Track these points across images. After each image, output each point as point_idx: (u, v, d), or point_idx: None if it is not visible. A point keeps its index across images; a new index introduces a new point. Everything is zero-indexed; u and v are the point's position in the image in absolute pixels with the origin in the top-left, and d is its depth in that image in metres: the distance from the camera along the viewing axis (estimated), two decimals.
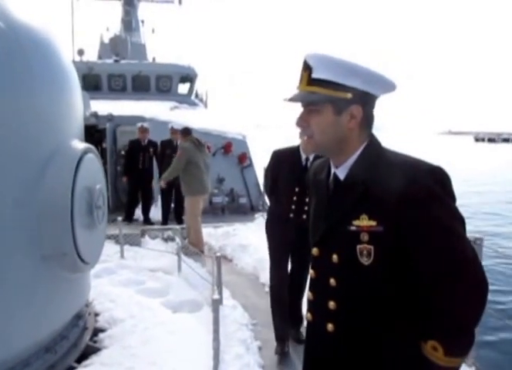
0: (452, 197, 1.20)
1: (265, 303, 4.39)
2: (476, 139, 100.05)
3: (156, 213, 8.10)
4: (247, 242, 6.10)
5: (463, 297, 1.17)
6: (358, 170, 1.28)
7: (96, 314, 3.56)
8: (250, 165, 10.08)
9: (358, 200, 1.24)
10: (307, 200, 3.14)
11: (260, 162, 10.39)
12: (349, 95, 1.24)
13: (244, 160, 9.93)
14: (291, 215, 3.28)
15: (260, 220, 7.97)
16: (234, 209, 9.34)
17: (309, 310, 1.42)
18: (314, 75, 1.25)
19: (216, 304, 2.68)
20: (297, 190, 3.23)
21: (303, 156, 3.23)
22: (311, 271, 1.40)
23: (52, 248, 2.51)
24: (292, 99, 1.32)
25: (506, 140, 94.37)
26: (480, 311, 1.18)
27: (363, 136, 1.31)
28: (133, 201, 8.06)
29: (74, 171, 2.56)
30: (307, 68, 1.27)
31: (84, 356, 3.01)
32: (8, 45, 2.32)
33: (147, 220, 7.80)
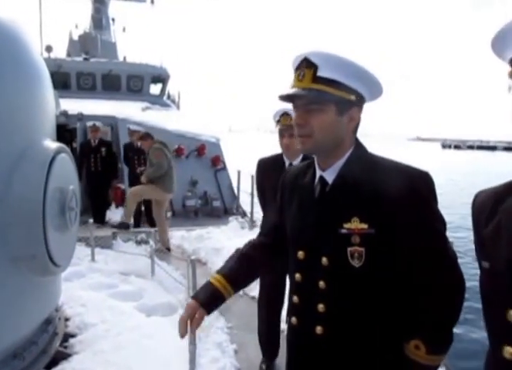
0: (436, 201, 1.26)
1: (240, 306, 4.41)
2: (443, 146, 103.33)
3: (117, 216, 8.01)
4: (221, 245, 6.09)
5: (446, 296, 1.23)
6: (348, 173, 1.29)
7: (67, 319, 3.49)
8: (224, 168, 10.09)
9: (349, 202, 1.26)
10: None
11: (233, 165, 10.43)
12: (353, 98, 1.26)
13: (217, 163, 9.93)
14: None
15: (234, 224, 7.98)
16: (207, 212, 9.31)
17: (294, 314, 1.42)
18: (321, 74, 1.23)
19: None
20: None
21: (287, 163, 2.97)
22: (296, 275, 1.39)
23: (22, 250, 2.45)
24: (296, 95, 1.28)
25: (470, 147, 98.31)
26: (460, 309, 1.25)
27: (353, 139, 1.34)
28: (100, 203, 7.98)
29: (46, 171, 2.50)
30: (311, 65, 1.25)
31: (54, 362, 2.95)
32: None
33: (101, 222, 7.75)
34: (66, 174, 2.81)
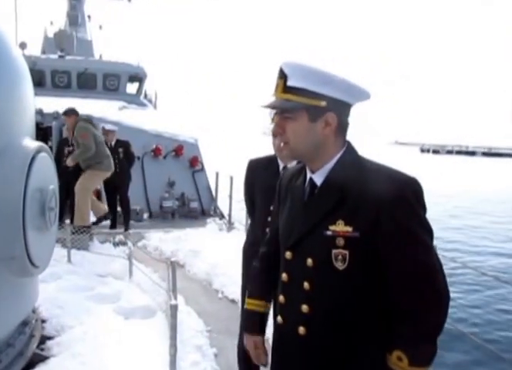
0: (424, 208, 1.29)
1: (219, 309, 4.44)
2: (422, 150, 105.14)
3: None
4: (199, 247, 6.11)
5: (428, 306, 1.25)
6: (336, 176, 1.34)
7: (43, 321, 3.45)
8: (202, 169, 10.08)
9: (335, 205, 1.30)
10: None
11: (211, 166, 10.44)
12: (323, 103, 1.30)
13: (195, 164, 9.92)
14: None
15: (212, 226, 7.99)
16: (184, 213, 9.29)
17: (280, 313, 1.46)
18: (289, 83, 1.31)
19: (174, 310, 2.70)
20: (272, 208, 2.79)
21: (281, 165, 2.73)
22: (282, 275, 1.44)
23: (0, 251, 2.43)
24: (268, 106, 1.38)
25: (449, 152, 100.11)
26: (443, 319, 1.27)
27: (339, 142, 1.38)
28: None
29: (26, 171, 2.48)
30: (282, 76, 1.33)
31: (31, 365, 2.91)
32: None
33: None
34: (46, 174, 2.79)
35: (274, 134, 1.40)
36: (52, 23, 18.10)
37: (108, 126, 7.42)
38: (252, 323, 1.63)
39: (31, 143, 2.68)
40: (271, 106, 1.38)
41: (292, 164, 2.66)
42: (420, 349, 1.25)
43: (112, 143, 7.34)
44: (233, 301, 4.56)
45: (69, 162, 6.23)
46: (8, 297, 2.69)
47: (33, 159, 2.57)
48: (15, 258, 2.50)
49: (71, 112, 6.47)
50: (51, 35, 16.48)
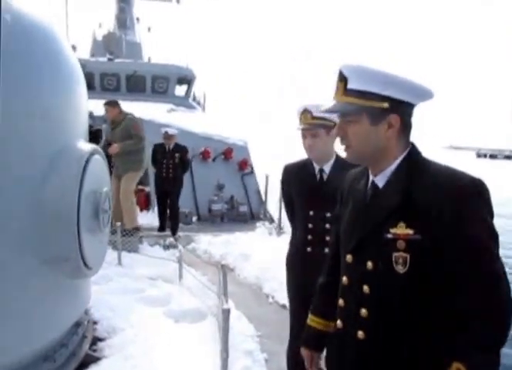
0: (490, 212, 1.25)
1: (269, 314, 4.43)
2: (478, 155, 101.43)
3: (152, 218, 8.14)
4: (249, 251, 6.14)
5: (491, 316, 1.20)
6: (398, 179, 1.34)
7: (95, 323, 3.57)
8: (252, 172, 10.14)
9: (397, 207, 1.29)
10: (327, 225, 2.56)
11: (261, 169, 10.47)
12: (385, 105, 1.31)
13: (244, 167, 9.99)
14: (308, 248, 2.63)
15: (261, 230, 8.02)
16: (233, 217, 9.37)
17: (339, 317, 1.47)
18: (350, 86, 1.32)
19: (226, 314, 2.71)
20: (311, 213, 2.64)
21: (316, 168, 2.67)
22: (343, 278, 1.45)
23: (56, 252, 2.54)
24: (329, 110, 1.40)
25: (508, 157, 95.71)
26: (506, 331, 1.21)
27: (402, 144, 1.37)
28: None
29: (81, 173, 2.59)
30: (342, 78, 1.34)
31: (83, 365, 3.02)
32: (17, 42, 2.36)
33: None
34: (100, 176, 2.90)
35: (338, 137, 1.41)
36: (100, 26, 18.84)
37: (171, 130, 7.56)
38: (312, 339, 1.69)
39: (85, 146, 2.80)
40: (332, 111, 1.41)
41: (328, 166, 2.66)
42: (481, 361, 1.20)
43: (171, 147, 7.48)
44: (283, 307, 4.53)
45: (114, 149, 6.30)
46: (63, 298, 2.82)
47: (87, 161, 2.67)
48: (70, 260, 2.60)
49: (115, 104, 6.56)
50: (100, 37, 17.17)
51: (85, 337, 3.23)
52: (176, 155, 7.50)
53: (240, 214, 9.42)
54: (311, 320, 1.70)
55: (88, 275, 2.90)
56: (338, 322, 1.46)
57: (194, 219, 8.96)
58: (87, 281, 3.22)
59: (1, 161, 2.22)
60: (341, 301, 1.46)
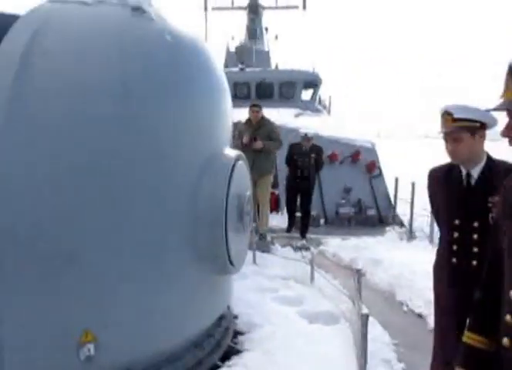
0: None
1: (405, 323, 4.29)
2: None
3: (281, 220, 8.37)
4: (380, 256, 5.99)
5: None
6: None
7: (235, 317, 3.80)
8: (380, 174, 9.87)
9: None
10: (475, 236, 2.36)
11: (390, 171, 10.12)
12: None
13: (372, 169, 9.77)
14: (454, 260, 2.46)
15: (391, 234, 7.77)
16: (361, 220, 9.22)
17: (506, 335, 1.36)
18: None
19: (364, 320, 2.70)
20: (457, 222, 2.46)
21: (463, 172, 2.46)
22: (510, 292, 1.35)
23: (206, 250, 2.77)
24: (501, 108, 1.38)
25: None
26: None
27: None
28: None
29: (228, 178, 2.79)
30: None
31: (226, 356, 3.24)
32: (174, 57, 2.62)
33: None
34: (243, 181, 3.09)
35: (503, 136, 1.36)
36: (233, 38, 19.91)
37: (310, 133, 7.78)
38: (471, 359, 1.55)
39: (231, 152, 3.01)
40: (504, 108, 1.38)
41: (476, 170, 2.43)
42: None
43: (307, 148, 7.66)
44: (419, 316, 4.36)
45: (259, 144, 6.52)
46: (211, 292, 3.06)
47: (233, 167, 2.87)
48: (218, 257, 2.83)
49: (261, 107, 7.00)
50: (232, 49, 18.15)
51: (227, 329, 3.47)
52: (313, 155, 7.60)
53: (368, 218, 9.23)
54: (469, 337, 1.57)
55: (232, 272, 3.11)
56: (505, 340, 1.35)
57: (322, 222, 9.01)
58: (230, 278, 3.45)
59: (161, 169, 2.51)
60: (508, 318, 1.34)
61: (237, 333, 3.61)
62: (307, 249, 6.19)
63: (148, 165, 2.43)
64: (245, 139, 6.53)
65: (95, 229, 2.27)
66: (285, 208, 8.27)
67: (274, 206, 9.29)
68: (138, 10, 2.48)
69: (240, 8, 21.25)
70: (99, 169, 2.27)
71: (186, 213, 2.64)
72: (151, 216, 2.46)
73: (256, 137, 6.61)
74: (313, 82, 15.18)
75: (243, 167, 3.10)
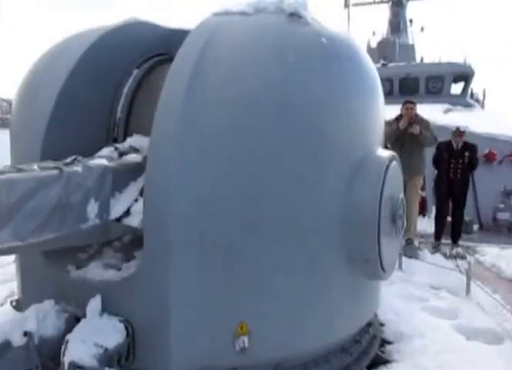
0: None
1: None
2: None
3: (428, 225, 7.85)
4: None
5: None
6: None
7: (381, 325, 3.64)
8: None
9: None
10: None
11: None
12: None
13: None
14: None
15: None
16: None
17: None
18: None
19: None
20: None
21: None
22: None
23: (358, 253, 2.69)
24: None
25: None
26: None
27: None
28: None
29: (382, 179, 2.67)
30: None
31: (373, 365, 3.12)
32: (329, 58, 2.61)
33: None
34: (396, 182, 2.94)
35: None
36: (374, 34, 19.35)
37: (462, 127, 7.12)
38: None
39: (384, 153, 2.88)
40: None
41: None
42: None
43: (459, 146, 6.93)
44: None
45: (416, 129, 6.14)
46: (360, 297, 2.97)
47: (387, 168, 2.74)
48: (370, 261, 2.72)
49: (415, 104, 6.54)
50: (374, 45, 17.65)
51: (375, 337, 3.34)
52: (466, 154, 6.85)
53: None
54: None
55: (382, 278, 2.97)
56: None
57: (475, 228, 8.23)
58: (379, 284, 3.32)
59: (314, 172, 2.49)
60: None
61: (384, 342, 3.46)
62: (462, 257, 5.68)
63: (302, 169, 2.45)
64: (402, 124, 6.19)
65: (254, 226, 2.37)
66: (433, 212, 7.71)
67: (421, 210, 8.74)
68: (294, 15, 2.52)
69: (382, 1, 20.59)
70: (259, 173, 2.37)
71: (338, 215, 2.60)
72: (305, 217, 2.48)
73: (412, 122, 6.23)
74: (464, 75, 14.01)
75: (396, 168, 2.95)
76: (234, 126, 2.32)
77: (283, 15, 2.52)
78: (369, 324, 3.29)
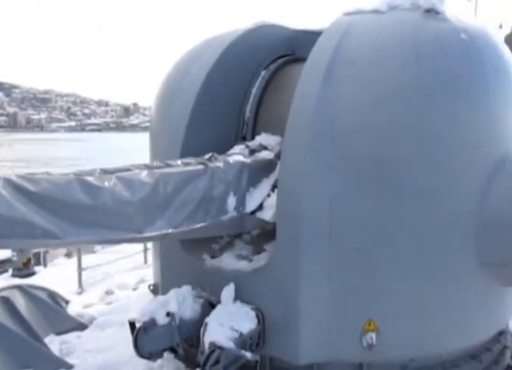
0: None
1: None
2: None
3: None
4: None
5: None
6: None
7: None
8: None
9: None
10: None
11: None
12: None
13: None
14: None
15: None
16: None
17: None
18: None
19: None
20: None
21: None
22: None
23: (493, 257, 2.58)
24: None
25: None
26: None
27: None
28: None
29: None
30: None
31: None
32: (470, 56, 2.55)
33: None
34: None
35: None
36: (500, 27, 17.87)
37: None
38: None
39: None
40: None
41: None
42: None
43: None
44: None
45: None
46: (493, 304, 2.83)
47: None
48: (506, 266, 2.60)
49: None
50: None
51: (506, 347, 3.16)
52: None
53: None
54: None
55: None
56: None
57: None
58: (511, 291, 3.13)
59: (449, 172, 2.45)
60: None
61: None
62: None
63: (436, 168, 2.42)
64: None
65: (387, 227, 2.41)
66: None
67: None
68: (431, 11, 2.49)
69: None
70: (395, 174, 2.40)
71: (472, 217, 2.52)
72: (437, 219, 2.45)
73: None
74: None
75: None
76: (369, 127, 2.36)
77: (419, 12, 2.50)
78: (501, 334, 3.13)
